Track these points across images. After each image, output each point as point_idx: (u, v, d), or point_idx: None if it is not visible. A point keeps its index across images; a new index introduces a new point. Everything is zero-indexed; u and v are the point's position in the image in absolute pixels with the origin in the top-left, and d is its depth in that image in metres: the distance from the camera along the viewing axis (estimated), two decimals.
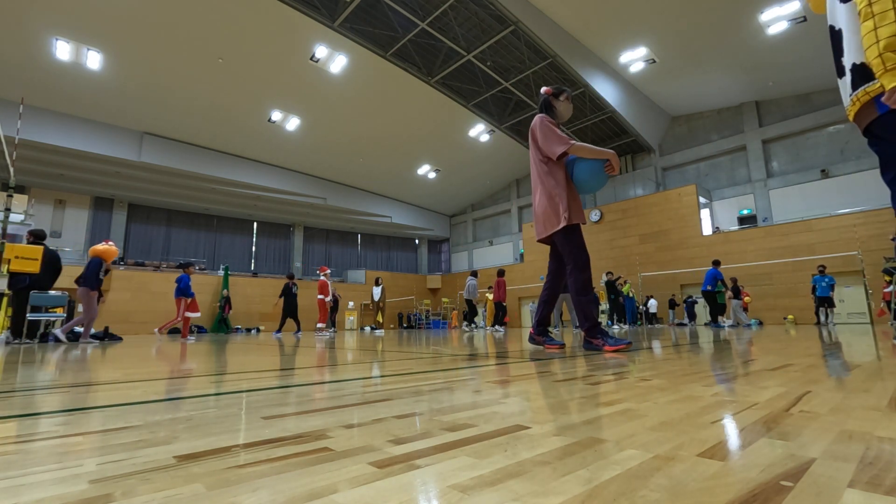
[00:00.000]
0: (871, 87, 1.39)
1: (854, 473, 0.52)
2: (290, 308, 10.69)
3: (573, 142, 3.00)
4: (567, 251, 3.02)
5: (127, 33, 12.71)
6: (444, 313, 24.76)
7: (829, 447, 0.63)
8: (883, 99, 1.33)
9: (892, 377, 1.35)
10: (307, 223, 24.84)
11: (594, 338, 2.92)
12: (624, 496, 0.46)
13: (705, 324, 11.58)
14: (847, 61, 1.49)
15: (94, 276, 6.79)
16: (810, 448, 0.63)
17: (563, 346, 3.12)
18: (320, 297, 9.67)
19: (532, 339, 3.27)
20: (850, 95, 1.48)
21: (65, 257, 7.52)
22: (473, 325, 11.88)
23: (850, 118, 1.52)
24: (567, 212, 3.00)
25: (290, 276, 10.92)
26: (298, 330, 10.94)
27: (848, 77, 1.48)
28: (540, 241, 3.26)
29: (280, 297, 10.76)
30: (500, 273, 11.56)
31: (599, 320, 3.18)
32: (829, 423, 0.78)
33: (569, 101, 3.30)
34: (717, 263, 11.18)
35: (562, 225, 3.01)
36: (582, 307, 2.97)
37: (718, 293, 11.00)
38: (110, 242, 7.17)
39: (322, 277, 9.71)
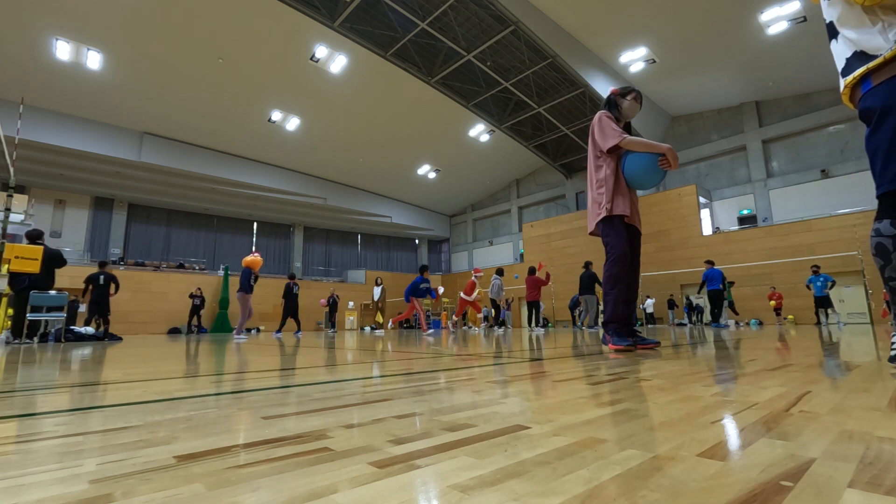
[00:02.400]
0: (858, 73, 1.50)
1: (854, 473, 0.52)
2: (290, 308, 10.67)
3: (626, 136, 2.93)
4: (605, 243, 3.01)
5: (127, 33, 12.72)
6: (444, 313, 24.76)
7: (829, 447, 0.63)
8: None
9: (891, 377, 1.35)
10: (307, 223, 24.85)
11: (608, 333, 2.95)
12: (624, 496, 0.46)
13: (705, 324, 11.56)
14: (842, 53, 1.57)
15: (246, 283, 8.38)
16: (810, 448, 0.63)
17: (657, 344, 2.97)
18: (464, 296, 10.10)
19: (603, 340, 3.07)
20: (842, 87, 1.60)
21: (65, 257, 7.56)
22: (500, 326, 11.66)
23: (846, 102, 1.64)
24: (609, 203, 2.97)
25: (292, 277, 10.90)
26: (299, 330, 10.92)
27: (842, 64, 1.58)
28: (591, 234, 3.20)
29: (282, 297, 10.76)
30: (532, 271, 11.30)
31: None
32: (829, 423, 0.78)
33: (636, 102, 3.19)
34: (712, 263, 11.14)
35: (602, 215, 2.99)
36: (608, 301, 2.98)
37: (726, 291, 10.92)
38: (256, 254, 8.62)
39: (473, 278, 10.11)
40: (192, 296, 16.52)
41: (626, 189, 3.04)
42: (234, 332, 8.29)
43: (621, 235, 2.95)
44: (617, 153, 3.04)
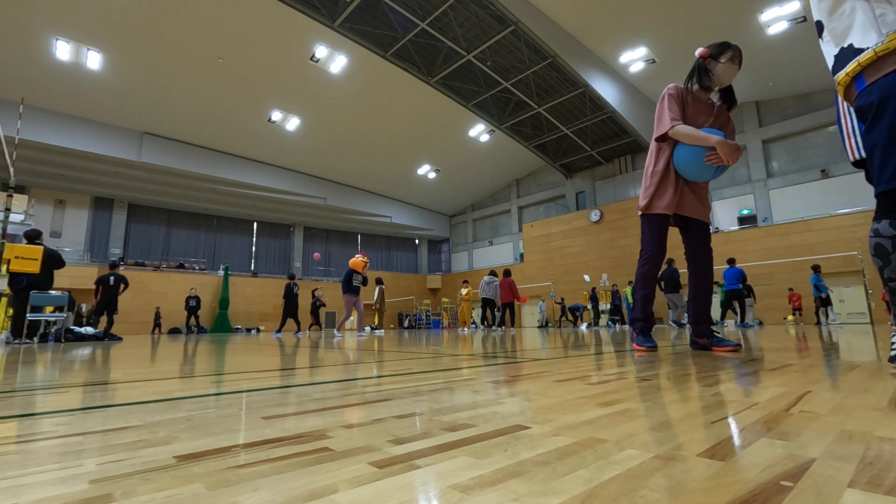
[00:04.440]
0: (850, 68, 1.46)
1: (854, 473, 0.52)
2: (290, 309, 10.65)
3: (676, 124, 2.62)
4: (641, 239, 2.88)
5: (127, 33, 12.72)
6: (444, 313, 24.78)
7: (829, 447, 0.63)
8: None
9: (891, 377, 1.35)
10: (307, 223, 24.85)
11: (634, 331, 2.91)
12: (624, 496, 0.46)
13: (736, 325, 11.13)
14: (830, 51, 1.55)
15: (345, 283, 8.32)
16: (810, 448, 0.63)
17: (738, 346, 2.65)
18: None
19: (694, 344, 2.81)
20: (836, 83, 1.58)
21: (65, 257, 7.61)
22: (500, 326, 11.69)
23: (842, 97, 1.61)
24: (648, 198, 2.78)
25: (291, 277, 10.91)
26: (298, 330, 10.92)
27: (832, 62, 1.56)
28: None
29: (283, 298, 10.76)
30: (507, 273, 11.44)
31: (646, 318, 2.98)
32: (829, 423, 0.78)
33: (734, 63, 2.61)
34: (733, 261, 10.99)
35: (639, 211, 2.86)
36: (636, 300, 2.90)
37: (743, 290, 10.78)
38: (359, 255, 8.49)
39: None
40: (187, 298, 16.86)
41: (676, 182, 2.75)
42: (336, 328, 8.47)
43: (655, 235, 2.80)
44: (671, 141, 2.74)
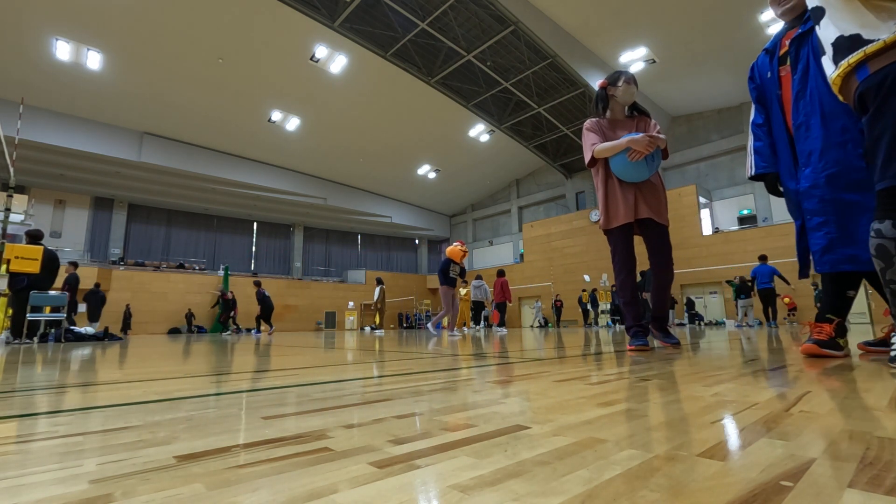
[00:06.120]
0: (853, 59, 1.38)
1: (854, 473, 0.52)
2: (264, 313, 11.59)
3: (594, 146, 2.97)
4: (611, 252, 3.15)
5: (127, 33, 12.72)
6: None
7: (829, 447, 0.63)
8: None
9: (891, 377, 1.35)
10: (307, 223, 24.85)
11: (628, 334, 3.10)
12: (624, 496, 0.46)
13: (769, 325, 10.73)
14: (827, 37, 1.47)
15: (441, 274, 7.51)
16: (810, 448, 0.63)
17: (677, 344, 2.96)
18: None
19: (648, 332, 3.08)
20: (833, 73, 1.47)
21: (65, 257, 7.60)
22: (477, 326, 11.95)
23: (836, 91, 1.52)
24: (603, 215, 3.09)
25: (258, 284, 11.71)
26: (258, 331, 11.70)
27: (830, 52, 1.47)
28: None
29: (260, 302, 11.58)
30: (501, 273, 11.58)
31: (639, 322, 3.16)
32: (829, 423, 0.78)
33: (630, 84, 3.05)
34: (765, 258, 10.75)
35: (601, 229, 3.16)
36: (622, 308, 3.14)
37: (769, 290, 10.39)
38: (456, 243, 7.66)
39: None
40: (225, 298, 17.33)
41: (623, 193, 3.00)
42: (430, 324, 7.69)
43: (621, 246, 3.04)
44: (602, 162, 3.07)
